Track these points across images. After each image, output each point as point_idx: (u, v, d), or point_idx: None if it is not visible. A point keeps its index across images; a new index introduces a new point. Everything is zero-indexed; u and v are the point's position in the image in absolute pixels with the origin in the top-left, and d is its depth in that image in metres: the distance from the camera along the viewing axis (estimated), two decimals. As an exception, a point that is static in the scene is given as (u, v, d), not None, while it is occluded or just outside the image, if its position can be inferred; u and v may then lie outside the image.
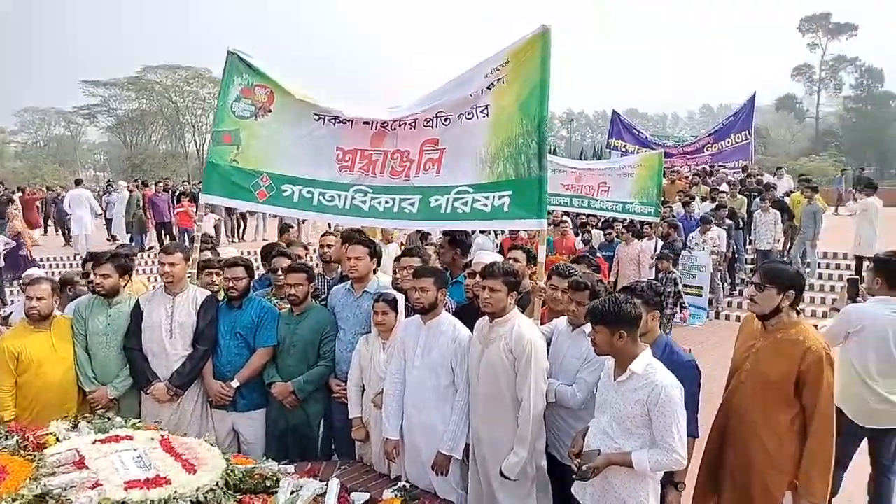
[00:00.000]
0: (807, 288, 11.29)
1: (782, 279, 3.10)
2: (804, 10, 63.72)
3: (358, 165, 4.73)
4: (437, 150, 4.50)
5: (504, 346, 3.40)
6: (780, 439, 3.07)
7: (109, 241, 15.81)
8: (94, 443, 3.12)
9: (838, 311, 4.25)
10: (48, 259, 15.08)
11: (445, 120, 4.47)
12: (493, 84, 4.21)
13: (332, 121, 4.78)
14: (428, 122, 4.53)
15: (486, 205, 4.20)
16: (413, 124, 4.58)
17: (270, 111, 4.87)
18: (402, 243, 12.53)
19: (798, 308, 3.22)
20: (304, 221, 12.76)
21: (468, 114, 4.34)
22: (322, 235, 5.63)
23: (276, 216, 10.77)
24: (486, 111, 4.27)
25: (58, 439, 3.18)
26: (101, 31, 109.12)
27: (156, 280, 7.60)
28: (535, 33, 4.02)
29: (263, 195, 4.81)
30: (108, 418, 3.53)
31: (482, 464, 3.53)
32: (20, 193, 19.07)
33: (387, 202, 4.58)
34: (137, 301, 4.24)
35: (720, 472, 3.33)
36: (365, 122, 4.72)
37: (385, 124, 4.66)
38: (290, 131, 4.86)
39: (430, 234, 8.90)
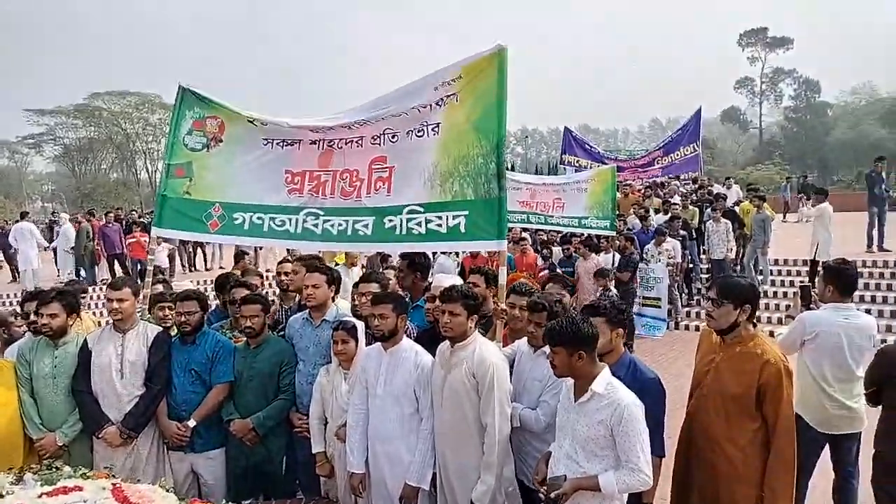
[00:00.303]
0: (760, 296, 11.62)
1: (738, 294, 3.13)
2: (743, 25, 66.17)
3: (307, 187, 4.65)
4: (385, 168, 4.43)
5: (466, 370, 3.35)
6: (745, 452, 3.08)
7: (59, 276, 15.28)
8: (40, 496, 2.94)
9: (793, 318, 4.32)
10: (-7, 296, 14.53)
11: (393, 137, 4.39)
12: (443, 100, 4.15)
13: (280, 144, 4.74)
14: (375, 139, 4.46)
15: (440, 225, 4.11)
16: (360, 142, 4.52)
17: (221, 141, 4.83)
18: (362, 266, 12.40)
19: (754, 320, 3.25)
20: (260, 248, 12.57)
21: (418, 131, 4.28)
22: (279, 262, 5.51)
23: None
24: (436, 129, 4.19)
25: (1, 495, 3.00)
26: (43, 59, 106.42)
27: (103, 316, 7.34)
28: (490, 51, 3.96)
29: (215, 225, 4.74)
30: (57, 468, 3.34)
31: (450, 493, 3.46)
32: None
33: (339, 224, 4.48)
34: (85, 340, 4.05)
35: (688, 489, 3.33)
36: (311, 143, 4.66)
37: (332, 143, 4.60)
38: (239, 159, 4.82)
39: (391, 257, 8.84)
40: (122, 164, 54.59)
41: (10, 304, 13.59)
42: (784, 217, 21.23)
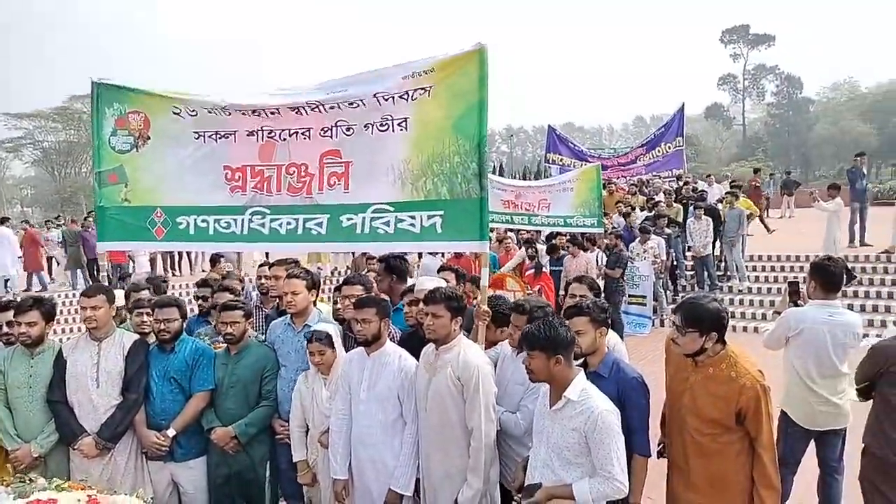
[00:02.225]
0: (743, 290, 11.71)
1: (704, 322, 2.98)
2: (725, 23, 66.95)
3: (250, 184, 4.34)
4: (341, 163, 4.16)
5: (451, 373, 3.31)
6: (732, 462, 3.02)
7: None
8: (12, 510, 2.87)
9: (780, 313, 4.32)
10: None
11: (348, 130, 4.11)
12: (409, 94, 3.91)
13: (214, 137, 4.39)
14: (325, 131, 4.16)
15: (413, 225, 3.94)
16: (307, 134, 4.21)
17: (149, 138, 4.47)
18: (347, 267, 12.32)
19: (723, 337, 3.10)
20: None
21: (381, 125, 4.01)
22: (259, 266, 5.44)
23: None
24: (404, 124, 3.96)
25: (-29, 510, 2.92)
26: (21, 62, 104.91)
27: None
28: (469, 50, 3.75)
29: (161, 232, 4.45)
30: (31, 480, 3.26)
31: (433, 498, 3.41)
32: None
33: (289, 223, 4.22)
34: (60, 350, 3.97)
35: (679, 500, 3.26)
36: (249, 134, 4.32)
37: (273, 134, 4.27)
38: (172, 156, 4.47)
39: (374, 259, 8.79)
40: (104, 167, 54.09)
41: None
42: (767, 213, 21.38)
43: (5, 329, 4.12)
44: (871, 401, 3.65)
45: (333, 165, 4.18)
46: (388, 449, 3.51)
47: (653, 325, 10.84)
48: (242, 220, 4.31)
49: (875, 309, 10.40)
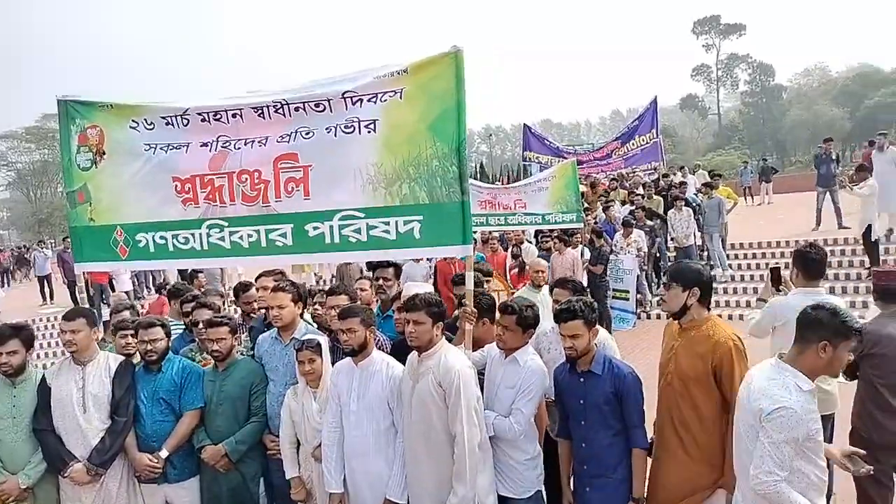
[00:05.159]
0: (726, 279, 11.80)
1: (686, 277, 3.21)
2: (696, 14, 67.80)
3: (202, 195, 4.15)
4: (298, 167, 3.95)
5: (433, 379, 3.27)
6: (710, 433, 3.12)
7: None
8: (2, 544, 2.83)
9: (764, 300, 4.33)
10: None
11: (307, 134, 3.92)
12: (378, 96, 3.77)
13: (164, 148, 4.21)
14: (283, 137, 3.97)
15: (387, 231, 3.80)
16: (263, 142, 4.01)
17: (104, 153, 4.35)
18: (332, 276, 12.26)
19: (709, 305, 3.29)
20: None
21: (346, 127, 3.83)
22: (234, 287, 5.39)
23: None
24: (372, 126, 3.80)
25: (-40, 545, 2.87)
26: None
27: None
28: (446, 53, 3.67)
29: (124, 251, 4.34)
30: (20, 511, 3.22)
31: (420, 505, 3.39)
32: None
33: (249, 235, 4.07)
34: (44, 376, 3.90)
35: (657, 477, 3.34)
36: (202, 145, 4.15)
37: (227, 144, 4.09)
38: (125, 171, 4.31)
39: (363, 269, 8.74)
40: (80, 186, 53.34)
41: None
42: (747, 201, 21.64)
43: None
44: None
45: (290, 171, 3.98)
46: (382, 458, 3.48)
47: (637, 318, 10.88)
48: (200, 235, 4.19)
49: (856, 290, 10.53)
